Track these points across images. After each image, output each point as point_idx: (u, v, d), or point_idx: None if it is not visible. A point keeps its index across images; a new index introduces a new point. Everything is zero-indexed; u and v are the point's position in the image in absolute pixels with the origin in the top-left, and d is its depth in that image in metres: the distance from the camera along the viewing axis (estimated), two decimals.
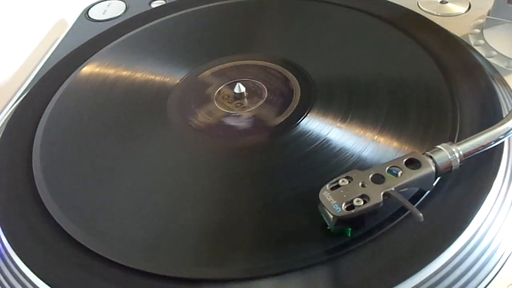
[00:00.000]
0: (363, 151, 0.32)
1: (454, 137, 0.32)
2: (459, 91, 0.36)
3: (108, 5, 0.57)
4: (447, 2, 0.48)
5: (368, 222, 0.27)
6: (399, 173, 0.27)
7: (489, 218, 0.28)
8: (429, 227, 0.27)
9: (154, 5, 0.55)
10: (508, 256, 0.28)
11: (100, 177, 0.34)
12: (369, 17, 0.45)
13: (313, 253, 0.27)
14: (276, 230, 0.29)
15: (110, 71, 0.44)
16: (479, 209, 0.28)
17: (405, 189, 0.27)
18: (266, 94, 0.38)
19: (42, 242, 0.30)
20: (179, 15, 0.50)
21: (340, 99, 0.37)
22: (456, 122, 0.33)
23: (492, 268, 0.27)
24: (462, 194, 0.29)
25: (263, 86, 0.39)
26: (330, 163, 0.32)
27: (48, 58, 0.49)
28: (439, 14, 0.47)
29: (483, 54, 0.41)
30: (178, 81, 0.42)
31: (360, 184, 0.27)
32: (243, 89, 0.38)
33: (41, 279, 0.28)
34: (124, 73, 0.44)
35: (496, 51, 0.41)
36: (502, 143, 0.31)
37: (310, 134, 0.34)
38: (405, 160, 0.28)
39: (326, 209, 0.26)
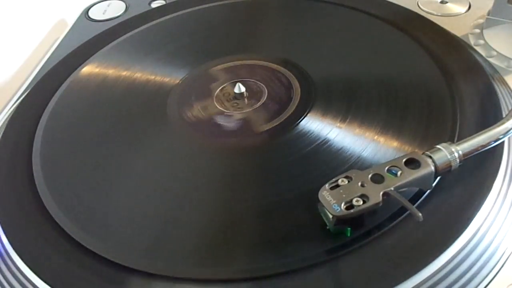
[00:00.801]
0: (363, 151, 0.32)
1: (454, 137, 0.32)
2: (459, 91, 0.36)
3: (108, 5, 0.57)
4: (447, 2, 0.48)
5: (367, 222, 0.27)
6: (399, 173, 0.27)
7: (489, 218, 0.28)
8: (429, 227, 0.27)
9: (154, 5, 0.55)
10: (508, 256, 0.28)
11: (100, 177, 0.34)
12: (369, 17, 0.45)
13: (313, 253, 0.27)
14: (275, 230, 0.29)
15: (110, 71, 0.44)
16: (479, 209, 0.28)
17: (405, 189, 0.27)
18: (265, 95, 0.38)
19: (42, 241, 0.30)
20: (179, 15, 0.50)
21: (340, 99, 0.37)
22: (456, 122, 0.33)
23: (492, 268, 0.27)
24: (462, 194, 0.29)
25: (263, 86, 0.39)
26: (330, 163, 0.32)
27: (48, 58, 0.49)
28: (439, 14, 0.47)
29: (483, 54, 0.41)
30: (178, 81, 0.42)
31: (359, 184, 0.27)
32: (243, 89, 0.38)
33: (41, 279, 0.28)
34: (124, 73, 0.44)
35: (496, 51, 0.41)
36: (502, 143, 0.31)
37: (310, 134, 0.34)
38: (404, 160, 0.28)
39: (325, 209, 0.26)
